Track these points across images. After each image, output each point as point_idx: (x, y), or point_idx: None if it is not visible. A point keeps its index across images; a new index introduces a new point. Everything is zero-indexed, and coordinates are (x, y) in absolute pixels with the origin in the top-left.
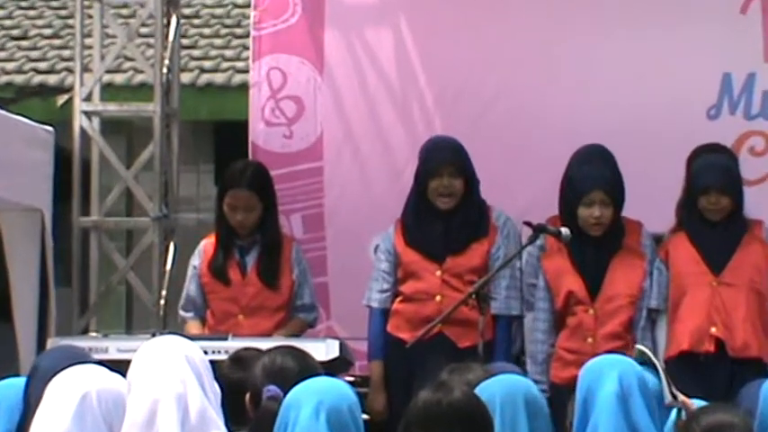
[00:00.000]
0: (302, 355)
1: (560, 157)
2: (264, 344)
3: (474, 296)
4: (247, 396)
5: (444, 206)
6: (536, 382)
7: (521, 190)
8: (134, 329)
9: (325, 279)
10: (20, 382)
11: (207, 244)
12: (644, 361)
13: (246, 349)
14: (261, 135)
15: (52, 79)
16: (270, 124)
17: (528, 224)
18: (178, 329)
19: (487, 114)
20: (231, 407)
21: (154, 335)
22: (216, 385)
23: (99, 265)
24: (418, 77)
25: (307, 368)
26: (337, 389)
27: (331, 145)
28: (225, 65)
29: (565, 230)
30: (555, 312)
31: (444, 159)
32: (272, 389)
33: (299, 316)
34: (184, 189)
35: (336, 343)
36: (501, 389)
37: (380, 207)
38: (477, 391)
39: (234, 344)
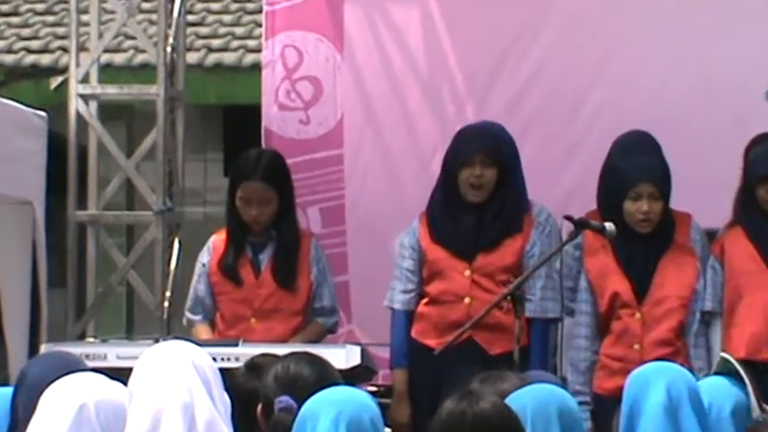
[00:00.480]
0: (320, 363)
1: (601, 145)
2: (279, 351)
3: (508, 298)
4: (259, 407)
5: (475, 199)
6: (577, 393)
7: (557, 181)
8: (135, 334)
9: (346, 278)
10: (7, 392)
11: (216, 240)
12: (729, 371)
13: (263, 356)
14: (275, 120)
15: (45, 59)
16: (284, 108)
17: (569, 219)
18: (184, 334)
19: (524, 98)
20: (244, 419)
21: (157, 340)
22: (226, 395)
23: (97, 264)
24: (447, 56)
25: (324, 377)
26: (358, 399)
27: (352, 131)
28: (235, 43)
29: (609, 226)
30: (598, 316)
31: (476, 146)
32: (284, 400)
33: (317, 320)
34: (190, 180)
35: (357, 349)
36: (532, 400)
37: (406, 199)
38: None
39: (245, 350)
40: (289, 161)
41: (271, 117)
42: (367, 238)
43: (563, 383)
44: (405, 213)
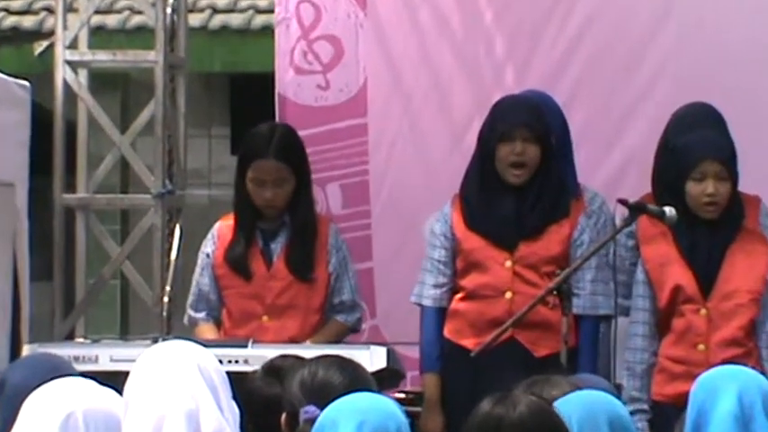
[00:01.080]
0: (352, 368)
1: (659, 114)
2: (295, 352)
3: (555, 292)
4: (283, 417)
5: (516, 180)
6: (633, 400)
7: (607, 157)
8: (131, 334)
9: (369, 264)
10: None
11: (222, 227)
12: None
13: (284, 357)
14: (290, 85)
15: (28, 22)
16: (301, 72)
17: (623, 203)
18: (186, 334)
19: (570, 61)
20: (264, 429)
21: (156, 340)
22: (234, 404)
23: (87, 254)
24: (484, 14)
25: (356, 383)
26: (383, 407)
27: (377, 97)
28: (243, 3)
29: (669, 210)
30: (657, 313)
31: (517, 119)
32: (310, 410)
33: (336, 318)
34: (193, 159)
35: (383, 351)
36: (579, 408)
37: (437, 174)
38: None
39: (256, 352)
40: (306, 132)
41: (285, 82)
42: (394, 219)
43: (616, 389)
44: (436, 191)
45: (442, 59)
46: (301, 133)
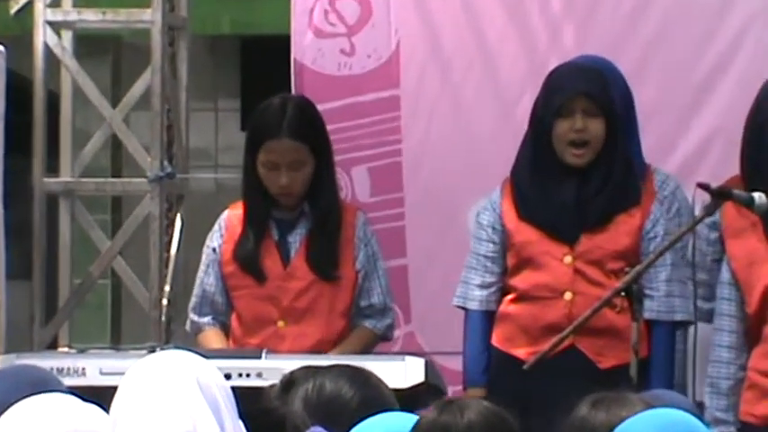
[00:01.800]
0: (364, 379)
1: (747, 81)
2: (316, 364)
3: (623, 293)
4: None
5: (576, 160)
6: (718, 422)
7: (683, 135)
8: (124, 342)
9: (403, 262)
10: None
11: (231, 217)
12: None
13: (306, 370)
14: (308, 50)
15: None
16: (321, 35)
17: (703, 187)
18: (188, 343)
19: (639, 20)
20: None
21: (153, 350)
22: (241, 425)
23: (72, 248)
24: None
25: (371, 399)
26: None
27: (411, 65)
28: None
29: (759, 197)
30: (746, 319)
31: (577, 90)
32: (316, 431)
33: (364, 324)
34: (198, 136)
35: (420, 362)
36: (652, 430)
37: (483, 155)
38: None
39: (271, 363)
40: (327, 106)
41: (303, 47)
42: (432, 208)
43: (697, 408)
44: (482, 175)
45: (488, 19)
46: (321, 107)
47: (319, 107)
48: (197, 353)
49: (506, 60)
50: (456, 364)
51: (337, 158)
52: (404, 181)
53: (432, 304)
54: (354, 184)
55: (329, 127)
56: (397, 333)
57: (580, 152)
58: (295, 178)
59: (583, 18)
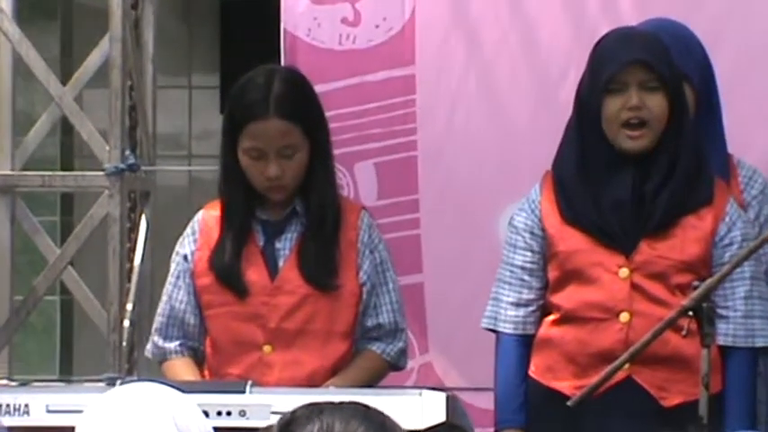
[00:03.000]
0: (380, 422)
1: None
2: (317, 400)
3: (691, 314)
4: None
5: (633, 143)
6: None
7: (761, 125)
8: (76, 373)
9: (418, 279)
10: None
11: (207, 219)
12: None
13: (310, 408)
14: (302, 19)
15: None
16: (319, 0)
17: None
18: (154, 373)
19: None
20: None
21: (112, 383)
22: None
23: (12, 257)
24: None
25: None
26: None
27: (429, 36)
28: None
29: None
30: None
31: (630, 59)
32: None
33: (371, 348)
34: (167, 120)
35: (441, 397)
36: None
37: (520, 147)
38: None
39: (256, 399)
40: (325, 87)
41: (296, 15)
42: (454, 213)
43: None
44: (517, 172)
45: None
46: (318, 89)
47: (317, 89)
48: (171, 385)
49: (547, 30)
50: (485, 401)
51: (338, 152)
52: (419, 180)
53: (454, 330)
54: (358, 183)
55: (328, 114)
56: (410, 364)
57: (637, 133)
58: (287, 167)
59: None
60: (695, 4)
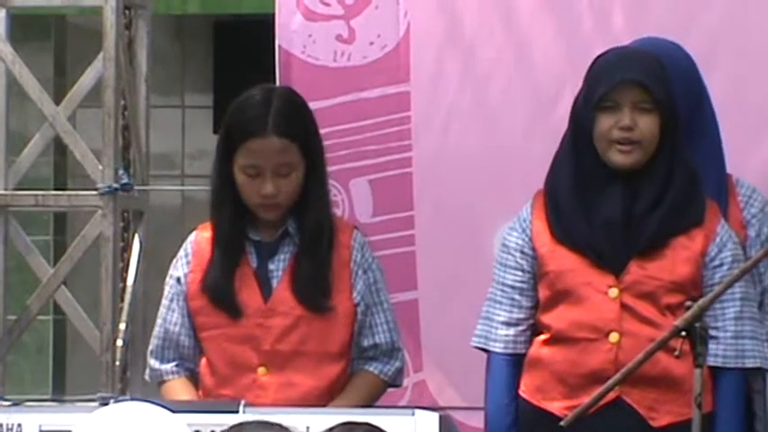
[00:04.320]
0: None
1: None
2: (312, 421)
3: (682, 334)
4: None
5: (623, 158)
6: None
7: (757, 141)
8: (69, 392)
9: (412, 296)
10: None
11: (200, 240)
12: None
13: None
14: (297, 37)
15: None
16: (313, 17)
17: None
18: (147, 393)
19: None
20: None
21: (105, 402)
22: None
23: (5, 276)
24: None
25: None
26: None
27: (424, 54)
28: None
29: None
30: None
31: (624, 78)
32: None
33: (368, 369)
34: (160, 139)
35: (434, 418)
36: None
37: (514, 165)
38: None
39: (250, 419)
40: (320, 104)
41: (290, 32)
42: (449, 230)
43: None
44: (511, 190)
45: None
46: (313, 106)
47: (311, 106)
48: (162, 406)
49: (542, 48)
50: (478, 420)
51: (333, 169)
52: (414, 197)
53: (448, 348)
54: (353, 200)
55: (322, 130)
56: (404, 382)
57: (628, 148)
58: (282, 186)
59: None
60: (689, 21)
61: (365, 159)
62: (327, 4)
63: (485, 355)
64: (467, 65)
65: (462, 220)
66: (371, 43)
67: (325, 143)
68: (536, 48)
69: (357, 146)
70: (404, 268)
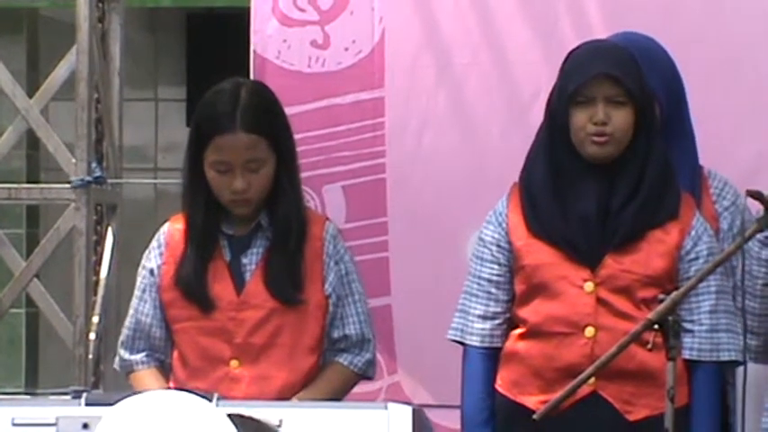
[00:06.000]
0: None
1: None
2: (283, 413)
3: (657, 327)
4: None
5: (598, 150)
6: None
7: (736, 146)
8: (42, 385)
9: (386, 301)
10: None
11: (173, 232)
12: None
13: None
14: (272, 42)
15: None
16: (288, 22)
17: (755, 196)
18: (120, 386)
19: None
20: None
21: (78, 395)
22: None
23: None
24: None
25: None
26: None
27: (398, 59)
28: None
29: None
30: None
31: (598, 72)
32: None
33: (339, 360)
34: (133, 132)
35: (407, 411)
36: None
37: (490, 169)
38: None
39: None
40: (294, 110)
41: (265, 37)
42: (423, 236)
43: None
44: (487, 195)
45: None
46: (287, 111)
47: (286, 112)
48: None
49: (518, 50)
50: (453, 420)
51: (306, 175)
52: (388, 203)
53: (422, 353)
54: (326, 206)
55: (296, 136)
56: (378, 384)
57: (602, 139)
58: (253, 181)
59: None
60: (667, 20)
61: (338, 165)
62: (303, 10)
63: (459, 359)
64: (442, 70)
65: (436, 225)
66: (346, 49)
67: (299, 149)
68: (512, 51)
69: (330, 152)
70: (377, 274)
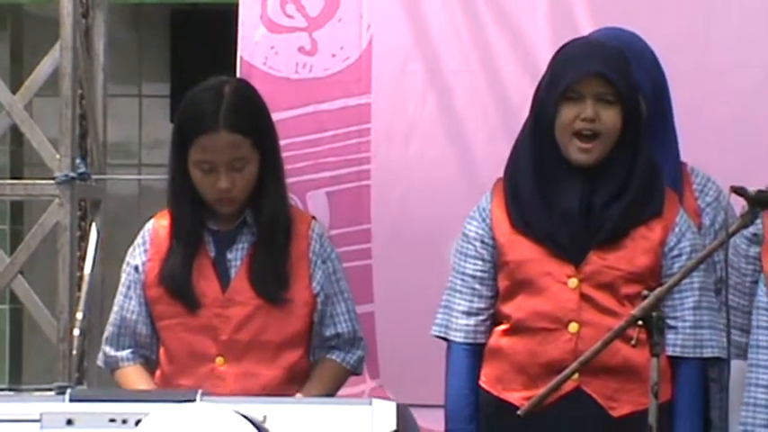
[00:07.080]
0: None
1: None
2: (268, 409)
3: (640, 323)
4: None
5: (584, 156)
6: None
7: (724, 150)
8: (25, 381)
9: (369, 308)
10: None
11: (158, 228)
12: None
13: None
14: (259, 48)
15: None
16: (276, 29)
17: (739, 192)
18: (104, 382)
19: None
20: None
21: (62, 391)
22: None
23: None
24: None
25: None
26: None
27: (386, 65)
28: None
29: None
30: None
31: (586, 70)
32: None
33: (330, 357)
34: (117, 128)
35: (391, 407)
36: None
37: (477, 178)
38: None
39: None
40: (281, 116)
41: (253, 44)
42: (407, 243)
43: None
44: (472, 203)
45: (485, 3)
46: (274, 117)
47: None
48: (127, 396)
49: (507, 56)
50: (436, 421)
51: (290, 181)
52: (372, 210)
53: (405, 360)
54: (310, 211)
55: (282, 142)
56: (361, 388)
57: (588, 146)
58: (237, 180)
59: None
60: (653, 20)
61: (323, 171)
62: (291, 17)
63: (443, 365)
64: (431, 76)
65: (420, 233)
66: (334, 55)
67: (284, 155)
68: (501, 58)
69: (315, 158)
70: (360, 281)
